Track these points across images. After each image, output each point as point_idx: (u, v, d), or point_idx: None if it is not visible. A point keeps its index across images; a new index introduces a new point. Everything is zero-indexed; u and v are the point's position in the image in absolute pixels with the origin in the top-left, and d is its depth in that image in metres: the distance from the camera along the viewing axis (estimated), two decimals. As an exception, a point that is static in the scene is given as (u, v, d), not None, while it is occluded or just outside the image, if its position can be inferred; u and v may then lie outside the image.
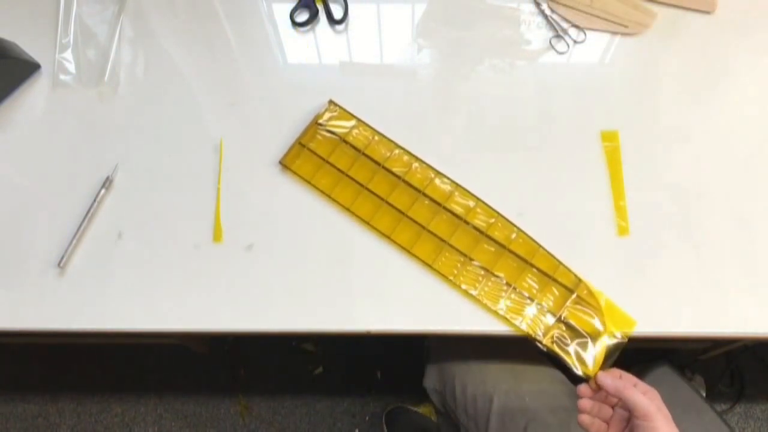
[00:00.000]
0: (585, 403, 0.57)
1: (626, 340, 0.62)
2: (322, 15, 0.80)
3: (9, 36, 0.74)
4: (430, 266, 0.65)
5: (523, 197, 0.69)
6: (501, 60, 0.77)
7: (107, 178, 0.70)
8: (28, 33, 0.77)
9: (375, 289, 0.65)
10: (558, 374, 0.77)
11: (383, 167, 0.69)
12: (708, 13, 0.78)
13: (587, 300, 0.63)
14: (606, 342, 0.62)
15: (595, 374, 0.57)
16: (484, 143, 0.72)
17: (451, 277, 0.65)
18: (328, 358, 1.36)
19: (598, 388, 0.56)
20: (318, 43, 0.79)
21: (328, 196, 0.69)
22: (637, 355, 1.22)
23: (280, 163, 0.70)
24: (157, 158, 0.72)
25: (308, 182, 0.69)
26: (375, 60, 0.78)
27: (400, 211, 0.68)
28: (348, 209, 0.68)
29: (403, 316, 0.64)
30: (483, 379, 0.76)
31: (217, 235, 0.68)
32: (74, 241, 0.67)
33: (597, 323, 0.62)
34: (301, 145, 0.71)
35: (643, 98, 0.74)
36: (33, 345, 1.35)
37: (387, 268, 0.66)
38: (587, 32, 0.78)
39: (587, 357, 0.61)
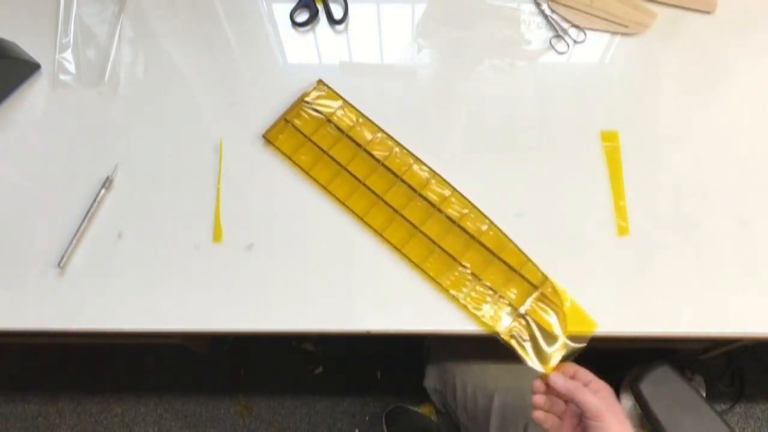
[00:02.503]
0: (538, 399, 0.57)
1: (585, 343, 0.62)
2: (322, 15, 0.80)
3: (9, 36, 0.74)
4: (399, 251, 0.66)
5: (523, 197, 0.69)
6: (501, 60, 0.77)
7: (107, 178, 0.70)
8: (28, 33, 0.77)
9: (375, 289, 0.65)
10: (558, 374, 0.77)
11: (364, 150, 0.70)
12: (708, 13, 0.78)
13: (551, 298, 0.63)
14: (564, 340, 0.62)
15: (549, 373, 0.58)
16: (484, 143, 0.72)
17: (419, 263, 0.65)
18: (328, 358, 1.36)
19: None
20: (318, 43, 0.79)
21: (307, 174, 0.70)
22: (637, 355, 1.23)
23: (263, 137, 0.71)
24: (157, 158, 0.72)
25: (289, 158, 0.70)
26: (375, 60, 0.78)
27: (376, 194, 0.68)
28: (325, 188, 0.69)
29: (402, 317, 0.64)
30: (484, 378, 0.76)
31: (217, 235, 0.68)
32: (74, 241, 0.67)
33: (557, 322, 0.63)
34: (286, 121, 0.72)
35: (643, 98, 0.74)
36: (33, 345, 1.35)
37: (387, 268, 0.66)
38: (587, 32, 0.78)
39: (544, 354, 0.61)
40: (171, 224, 0.69)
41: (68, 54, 0.77)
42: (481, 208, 0.68)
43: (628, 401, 1.16)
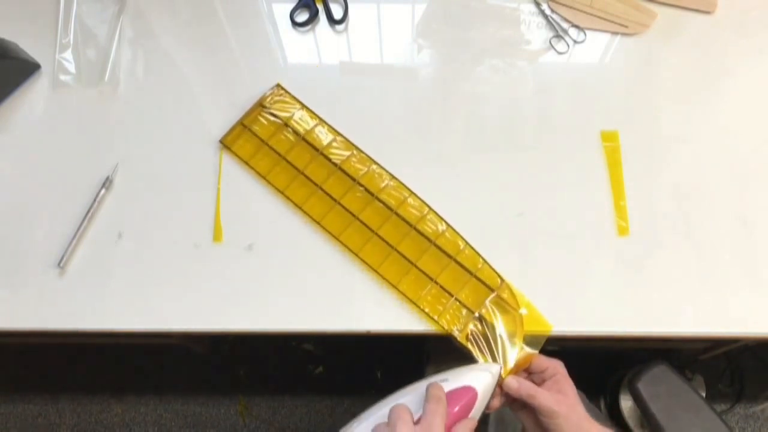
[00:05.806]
0: (495, 402, 0.59)
1: (540, 344, 0.62)
2: (322, 15, 0.80)
3: (9, 36, 0.74)
4: (356, 255, 0.66)
5: (523, 197, 0.69)
6: (501, 60, 0.77)
7: (107, 178, 0.70)
8: (28, 33, 0.77)
9: (375, 290, 0.65)
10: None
11: (321, 154, 0.70)
12: (708, 13, 0.78)
13: (507, 301, 0.63)
14: (520, 343, 0.62)
15: (504, 376, 0.59)
16: (484, 143, 0.72)
17: (376, 268, 0.65)
18: (328, 358, 1.36)
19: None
20: (318, 43, 0.79)
21: (264, 179, 0.70)
22: (638, 355, 1.23)
23: (220, 142, 0.71)
24: (157, 158, 0.72)
25: (246, 163, 0.70)
26: (375, 60, 0.78)
27: (333, 198, 0.68)
28: (282, 193, 0.69)
29: (402, 317, 0.64)
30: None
31: (217, 235, 0.68)
32: (74, 241, 0.67)
33: (513, 324, 0.63)
34: (243, 126, 0.72)
35: (643, 98, 0.74)
36: (33, 345, 1.35)
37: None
38: (587, 32, 0.78)
39: (501, 356, 0.61)
40: (171, 224, 0.69)
41: (68, 54, 0.77)
42: (481, 209, 0.68)
43: (628, 401, 1.16)
